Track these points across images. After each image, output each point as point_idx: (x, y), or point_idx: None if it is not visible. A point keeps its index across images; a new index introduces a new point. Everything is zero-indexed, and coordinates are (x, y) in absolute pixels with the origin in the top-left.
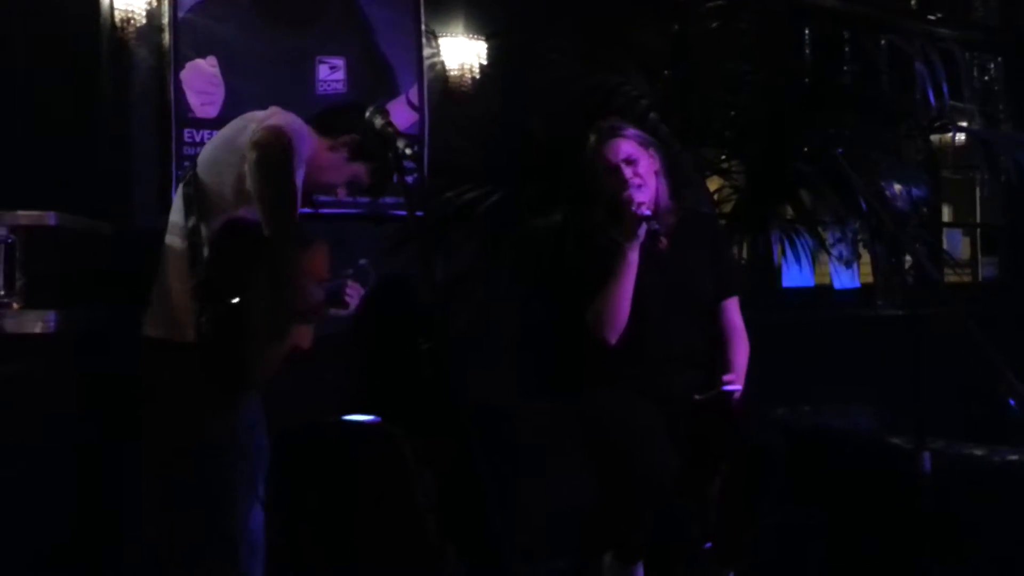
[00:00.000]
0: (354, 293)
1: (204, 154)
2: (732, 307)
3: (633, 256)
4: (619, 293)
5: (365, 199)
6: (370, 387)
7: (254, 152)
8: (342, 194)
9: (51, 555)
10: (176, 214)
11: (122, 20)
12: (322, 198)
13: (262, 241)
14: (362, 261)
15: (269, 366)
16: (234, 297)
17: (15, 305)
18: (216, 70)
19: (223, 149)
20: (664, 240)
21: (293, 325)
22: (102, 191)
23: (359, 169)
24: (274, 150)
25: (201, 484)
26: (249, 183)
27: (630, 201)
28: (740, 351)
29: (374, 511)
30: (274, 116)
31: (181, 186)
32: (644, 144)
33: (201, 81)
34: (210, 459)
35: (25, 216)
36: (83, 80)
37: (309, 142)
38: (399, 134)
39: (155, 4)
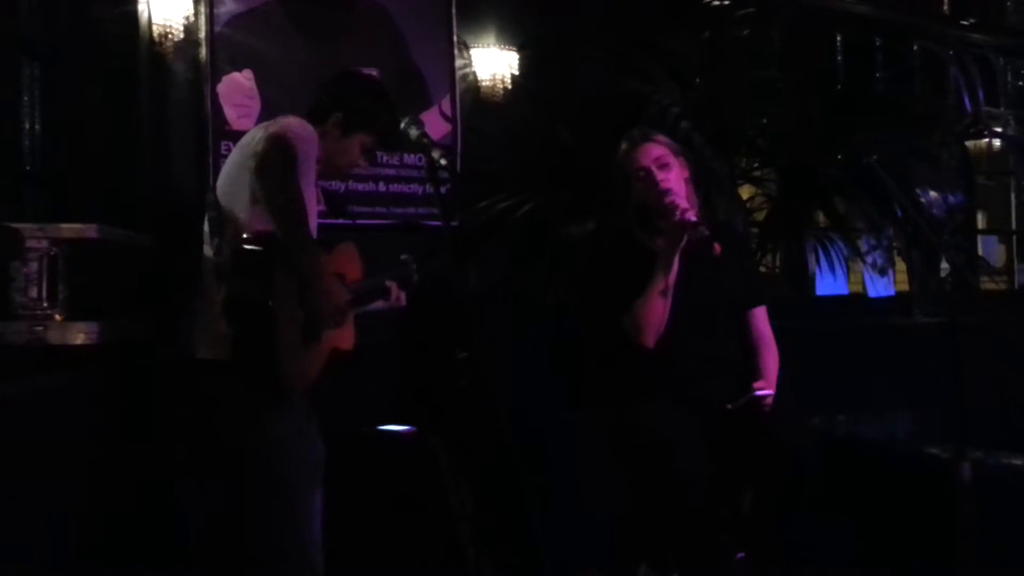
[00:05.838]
0: (395, 288)
1: (222, 174)
2: (760, 315)
3: (675, 261)
4: (660, 298)
5: (398, 209)
6: (407, 396)
7: (254, 162)
8: (364, 165)
9: (96, 565)
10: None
11: (160, 35)
12: (357, 208)
13: (279, 248)
14: (404, 256)
15: (307, 372)
16: (260, 308)
17: (58, 316)
18: (252, 83)
19: (236, 166)
20: (718, 246)
21: (325, 328)
22: (142, 203)
23: (362, 139)
24: (273, 157)
25: (253, 495)
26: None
27: (675, 208)
28: (770, 358)
29: (410, 520)
30: (274, 125)
31: (206, 213)
32: (675, 152)
33: (237, 94)
34: (260, 470)
35: (68, 229)
36: (122, 94)
37: (315, 141)
38: (434, 144)
39: (192, 19)
